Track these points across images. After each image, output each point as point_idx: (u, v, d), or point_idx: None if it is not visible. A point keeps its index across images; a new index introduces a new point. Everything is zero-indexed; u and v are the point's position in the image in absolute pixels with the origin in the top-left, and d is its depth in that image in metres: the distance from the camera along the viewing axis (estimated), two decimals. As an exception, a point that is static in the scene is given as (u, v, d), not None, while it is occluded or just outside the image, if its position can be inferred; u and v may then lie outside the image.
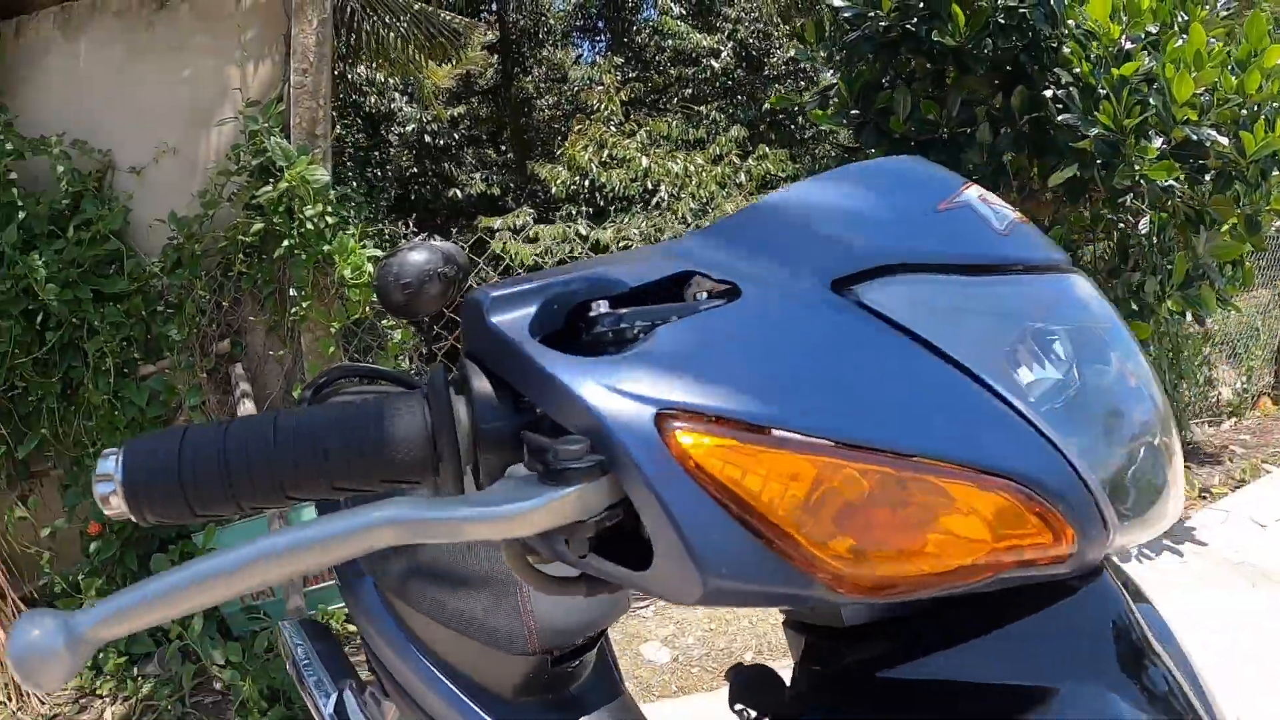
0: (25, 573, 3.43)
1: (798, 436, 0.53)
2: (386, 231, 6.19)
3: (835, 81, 3.94)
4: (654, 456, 0.52)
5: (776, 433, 0.53)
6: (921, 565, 0.54)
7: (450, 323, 3.98)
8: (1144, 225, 3.54)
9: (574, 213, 6.45)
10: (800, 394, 0.55)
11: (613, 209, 6.58)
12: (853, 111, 3.90)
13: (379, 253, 3.30)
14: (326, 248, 3.23)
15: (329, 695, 1.68)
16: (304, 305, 3.29)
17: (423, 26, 5.85)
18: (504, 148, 13.38)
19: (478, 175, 10.95)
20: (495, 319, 0.60)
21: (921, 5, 3.55)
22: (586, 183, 6.74)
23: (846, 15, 3.80)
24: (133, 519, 0.60)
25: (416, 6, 5.94)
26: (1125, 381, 0.64)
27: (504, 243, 3.95)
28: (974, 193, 0.67)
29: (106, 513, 0.59)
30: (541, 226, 4.31)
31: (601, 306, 0.62)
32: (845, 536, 0.53)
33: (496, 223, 4.78)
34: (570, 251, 4.10)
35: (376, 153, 8.72)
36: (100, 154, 3.52)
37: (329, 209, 3.25)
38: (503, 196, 9.38)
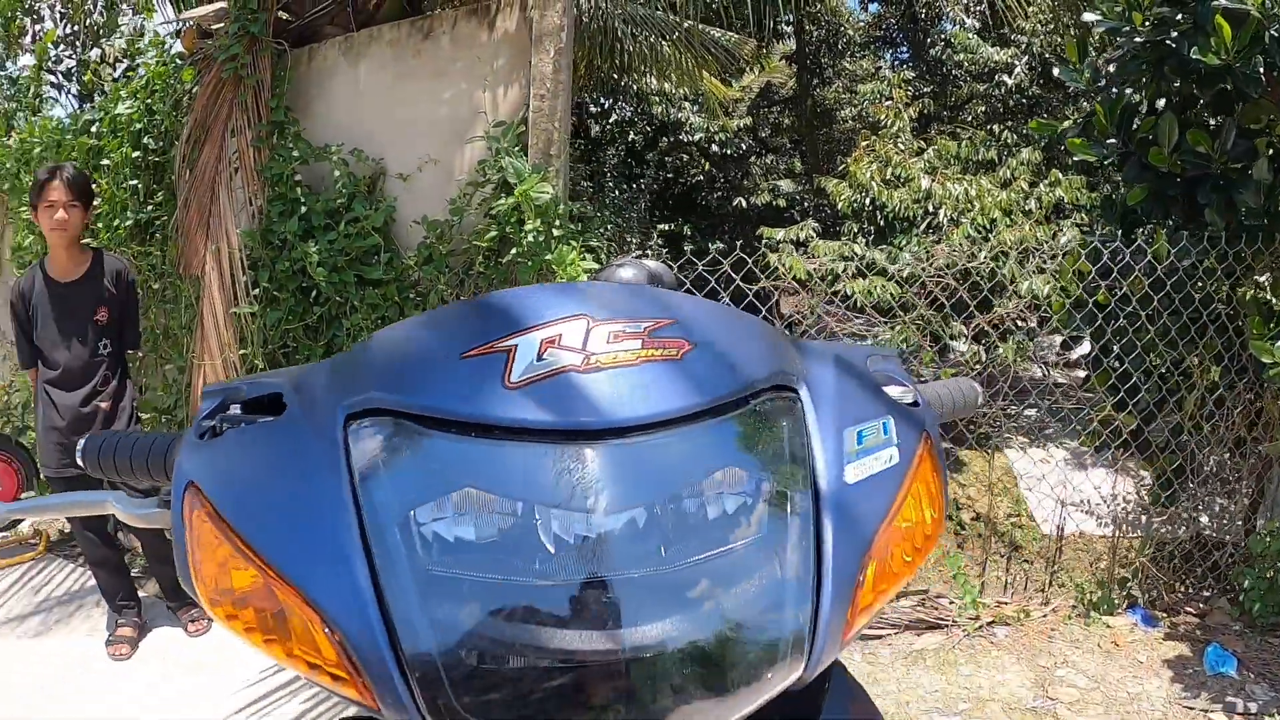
0: None
1: (240, 540, 0.72)
2: (620, 240, 6.27)
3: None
4: (176, 506, 0.79)
5: (235, 533, 0.73)
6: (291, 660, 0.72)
7: None
8: None
9: (855, 230, 6.33)
10: (260, 509, 0.74)
11: (894, 229, 6.33)
12: (1110, 140, 3.55)
13: (595, 266, 3.51)
14: (548, 257, 3.50)
15: None
16: (519, 311, 3.59)
17: (694, 44, 5.96)
18: (796, 159, 13.17)
19: (765, 185, 10.79)
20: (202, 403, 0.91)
21: (1181, 17, 3.16)
22: (868, 200, 6.59)
23: (1100, 30, 3.51)
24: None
25: (686, 25, 6.04)
26: (579, 579, 0.70)
27: (777, 257, 3.90)
28: (542, 334, 0.75)
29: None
30: (822, 242, 4.25)
31: (235, 408, 0.89)
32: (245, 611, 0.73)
33: (779, 234, 4.73)
34: (844, 270, 4.02)
35: (659, 158, 8.90)
36: (374, 161, 4.07)
37: (557, 222, 3.53)
38: (789, 208, 9.22)
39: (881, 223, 6.56)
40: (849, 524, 0.78)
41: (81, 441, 0.97)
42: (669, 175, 9.75)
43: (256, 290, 4.09)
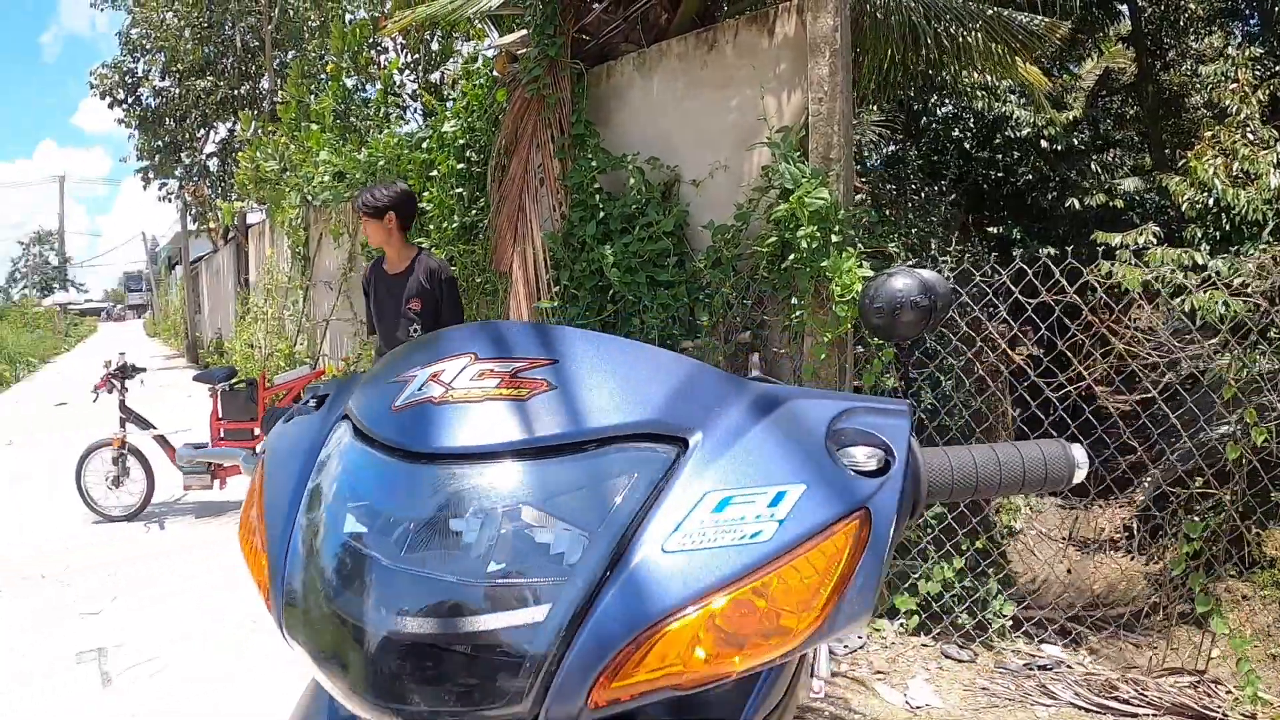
0: None
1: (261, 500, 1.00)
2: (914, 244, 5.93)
3: None
4: None
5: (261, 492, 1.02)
6: None
7: (931, 353, 3.99)
8: None
9: (1199, 236, 5.66)
10: (272, 473, 1.01)
11: (1240, 235, 5.58)
12: None
13: (870, 273, 3.45)
14: (823, 264, 3.52)
15: None
16: (796, 314, 3.68)
17: (997, 31, 5.68)
18: (1145, 154, 11.78)
19: (1102, 184, 9.69)
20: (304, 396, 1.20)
21: None
22: (1211, 200, 5.82)
23: None
24: None
25: (990, 12, 5.76)
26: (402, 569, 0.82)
27: (1110, 266, 3.54)
28: (435, 368, 0.91)
29: None
30: (1159, 249, 3.87)
31: (312, 401, 1.13)
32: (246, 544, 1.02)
33: (1115, 239, 4.36)
34: (1181, 284, 3.47)
35: (989, 155, 8.33)
36: (668, 169, 4.29)
37: (836, 228, 3.54)
38: (1128, 210, 8.40)
39: (1227, 226, 5.78)
40: (637, 594, 0.77)
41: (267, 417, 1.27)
42: (998, 174, 9.16)
43: (557, 288, 4.47)
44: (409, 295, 4.14)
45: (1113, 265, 3.59)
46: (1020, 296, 3.52)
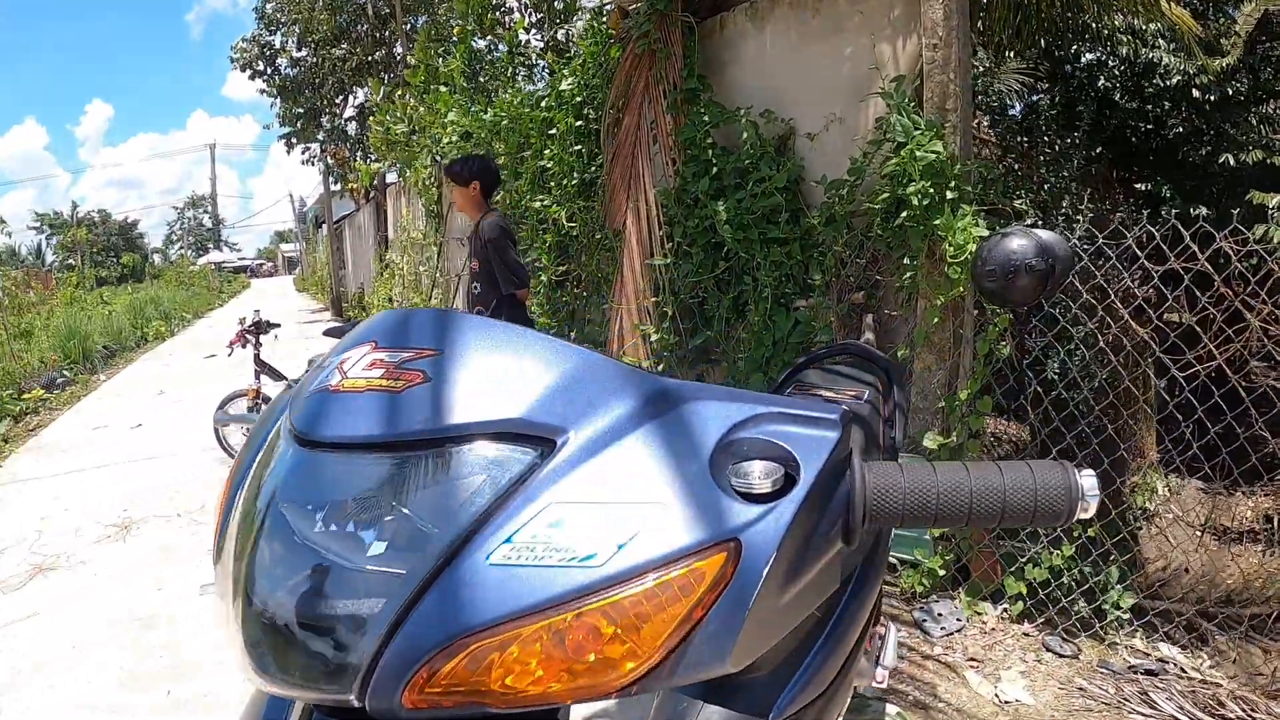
0: None
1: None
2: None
3: None
4: None
5: None
6: None
7: (1051, 320, 3.77)
8: None
9: None
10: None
11: None
12: None
13: (986, 232, 3.29)
14: (936, 222, 3.38)
15: None
16: (909, 275, 3.57)
17: None
18: None
19: (1261, 138, 8.61)
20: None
21: None
22: None
23: None
24: None
25: None
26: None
27: (1266, 229, 3.32)
28: (342, 356, 0.93)
29: None
30: None
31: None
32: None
33: (1273, 200, 4.02)
34: None
35: (1138, 105, 7.74)
36: (783, 122, 4.23)
37: (951, 183, 3.38)
38: None
39: None
40: (452, 603, 0.74)
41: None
42: (1146, 126, 8.40)
43: (670, 244, 4.48)
44: (470, 254, 4.56)
45: (1269, 228, 3.34)
46: (1156, 263, 3.25)
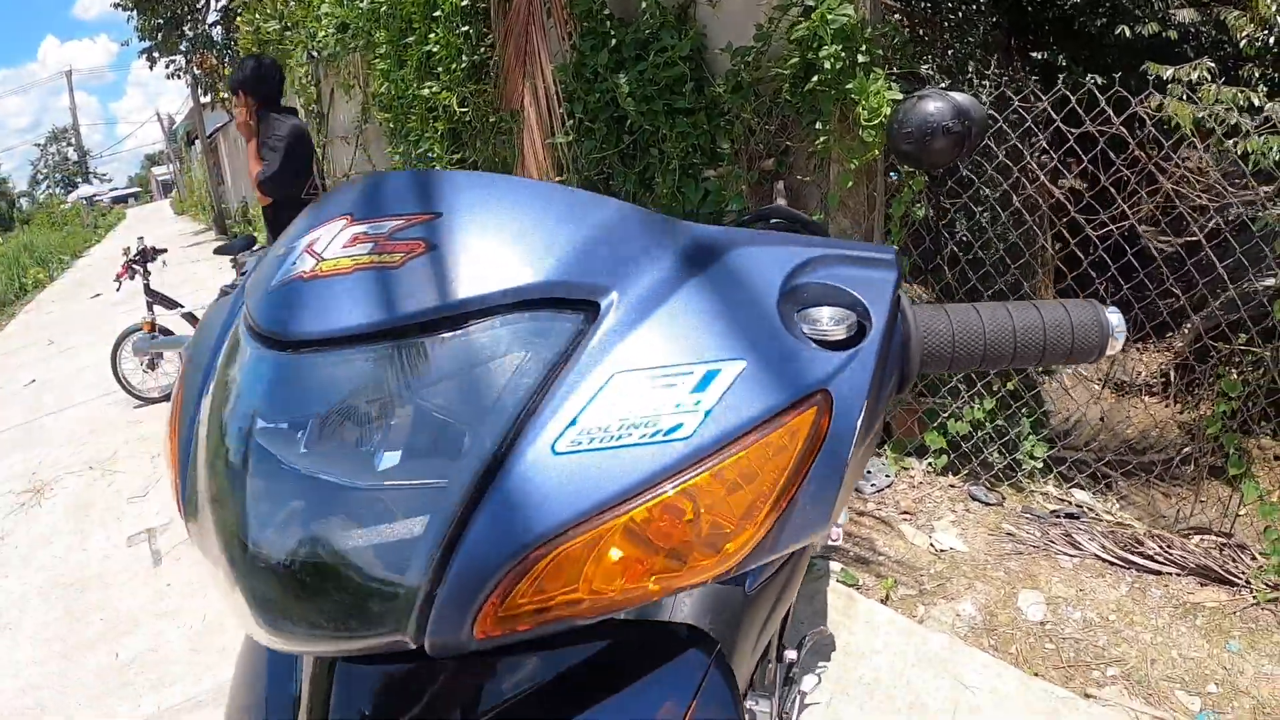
0: None
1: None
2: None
3: None
4: None
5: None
6: None
7: (965, 182, 3.82)
8: None
9: (1255, 76, 4.92)
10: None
11: None
12: None
13: (900, 96, 3.26)
14: (849, 86, 3.31)
15: None
16: (821, 140, 3.49)
17: None
18: None
19: (1155, 12, 8.72)
20: None
21: None
22: (1272, 40, 5.07)
23: None
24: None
25: None
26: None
27: (1161, 100, 3.34)
28: (311, 236, 0.76)
29: None
30: (1214, 87, 3.63)
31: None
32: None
33: (1168, 72, 4.05)
34: (1237, 124, 3.22)
35: None
36: (681, -12, 4.00)
37: (863, 47, 3.31)
38: (1181, 43, 7.81)
39: None
40: (519, 508, 0.62)
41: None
42: None
43: (571, 121, 4.29)
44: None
45: (1164, 99, 3.35)
46: (1064, 126, 3.32)
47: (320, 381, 0.68)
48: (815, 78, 3.40)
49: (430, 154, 5.68)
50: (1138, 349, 4.60)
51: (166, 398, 5.81)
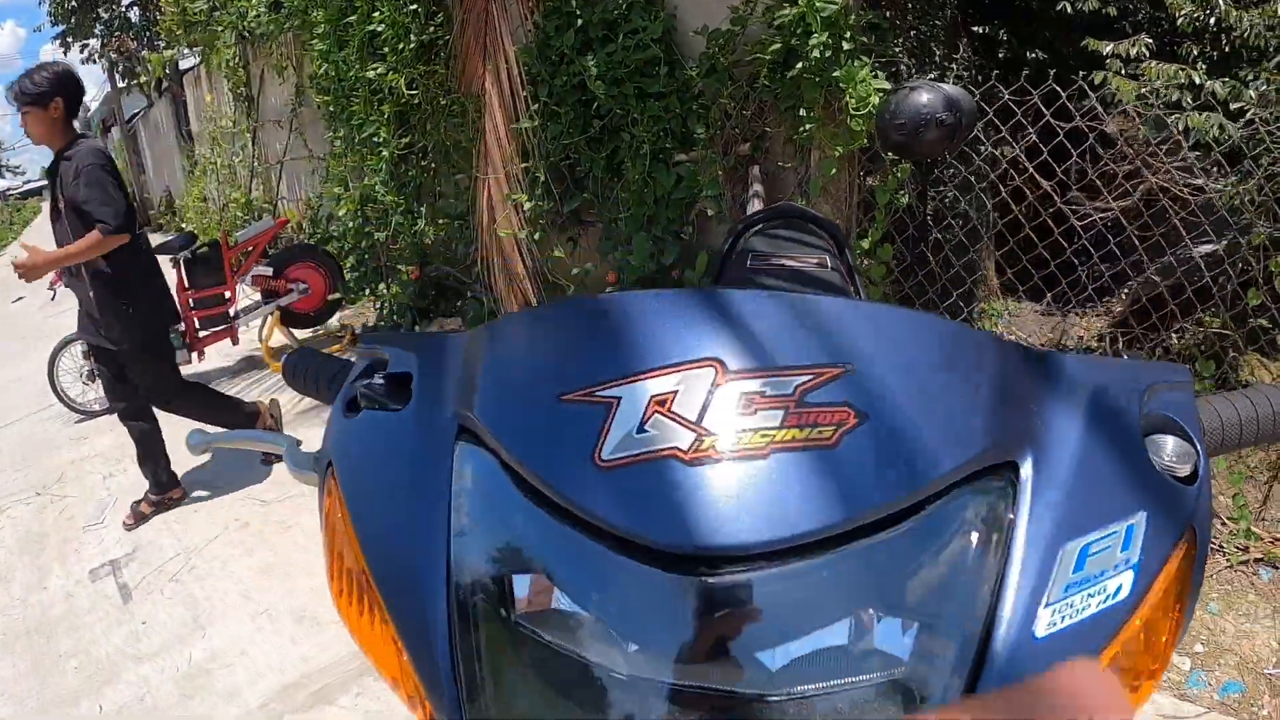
0: (556, 298, 4.31)
1: (354, 534, 0.71)
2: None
3: None
4: (321, 487, 0.77)
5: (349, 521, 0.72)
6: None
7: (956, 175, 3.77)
8: None
9: (1195, 54, 5.24)
10: (370, 507, 0.71)
11: (1239, 58, 4.85)
12: None
13: (887, 85, 3.22)
14: (836, 74, 3.22)
15: None
16: (808, 127, 3.38)
17: None
18: None
19: None
20: (355, 361, 0.87)
21: None
22: (1212, 19, 4.93)
23: None
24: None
25: None
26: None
27: (1105, 75, 3.41)
28: (657, 386, 0.58)
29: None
30: (1155, 64, 3.61)
31: (379, 376, 0.79)
32: (345, 596, 0.72)
33: (1107, 48, 4.10)
34: (1178, 100, 3.38)
35: None
36: (652, -33, 3.82)
37: (847, 34, 3.21)
38: (1121, 18, 7.91)
39: (1226, 48, 5.04)
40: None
41: (286, 357, 1.01)
42: None
43: (536, 105, 4.07)
44: (57, 194, 3.51)
45: (1106, 75, 3.41)
46: (1012, 101, 3.34)
47: (729, 602, 0.53)
48: (799, 65, 3.29)
49: (376, 138, 5.40)
50: (1078, 314, 4.56)
51: (110, 411, 5.28)
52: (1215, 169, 3.46)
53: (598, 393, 0.59)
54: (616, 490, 0.54)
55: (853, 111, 3.21)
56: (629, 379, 0.59)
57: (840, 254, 2.02)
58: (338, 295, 5.99)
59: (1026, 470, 0.60)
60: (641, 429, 0.56)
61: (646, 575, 0.53)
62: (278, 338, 5.85)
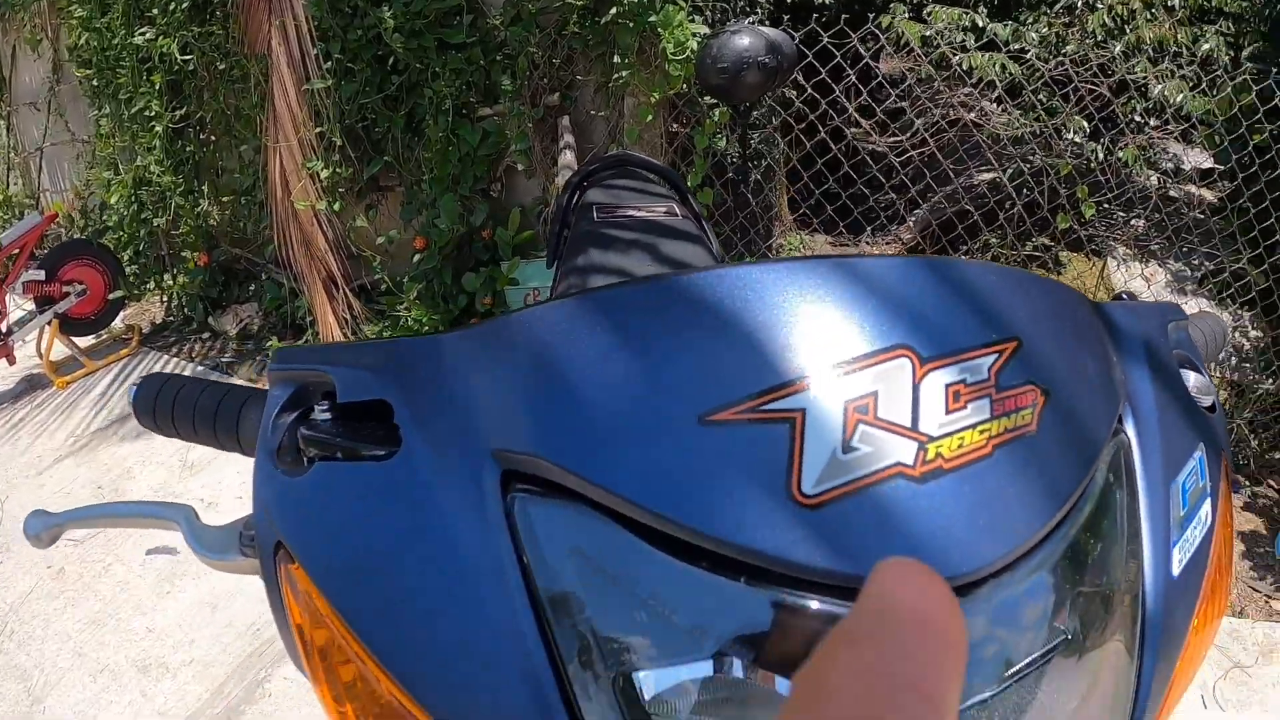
0: (361, 269, 4.11)
1: (353, 633, 0.51)
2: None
3: None
4: (269, 573, 0.57)
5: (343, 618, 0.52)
6: None
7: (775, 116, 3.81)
8: None
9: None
10: (374, 595, 0.51)
11: (1019, 2, 5.43)
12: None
13: (706, 30, 3.19)
14: (652, 19, 3.14)
15: None
16: (624, 73, 3.28)
17: None
18: None
19: None
20: (270, 390, 0.63)
21: None
22: None
23: None
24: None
25: None
26: None
27: (892, 18, 3.54)
28: (850, 389, 0.44)
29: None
30: (939, 7, 3.71)
31: (323, 409, 0.59)
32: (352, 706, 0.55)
33: None
34: (963, 42, 3.58)
35: None
36: (449, -90, 3.59)
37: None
38: None
39: None
40: (1170, 638, 0.55)
41: (135, 386, 0.77)
42: None
43: (329, 64, 3.75)
44: None
45: (893, 18, 3.57)
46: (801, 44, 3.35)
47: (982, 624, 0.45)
48: (614, 10, 3.19)
49: (147, 112, 4.89)
50: (868, 241, 4.74)
51: None
52: (998, 105, 3.75)
53: (766, 406, 0.44)
54: (834, 530, 0.42)
55: (671, 56, 3.13)
56: (806, 383, 0.45)
57: (684, 200, 1.92)
58: (120, 293, 5.38)
59: (1129, 423, 0.59)
60: (848, 448, 0.43)
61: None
62: (59, 349, 5.15)
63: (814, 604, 0.42)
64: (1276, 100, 2.93)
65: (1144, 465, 0.57)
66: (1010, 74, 3.49)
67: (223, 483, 3.38)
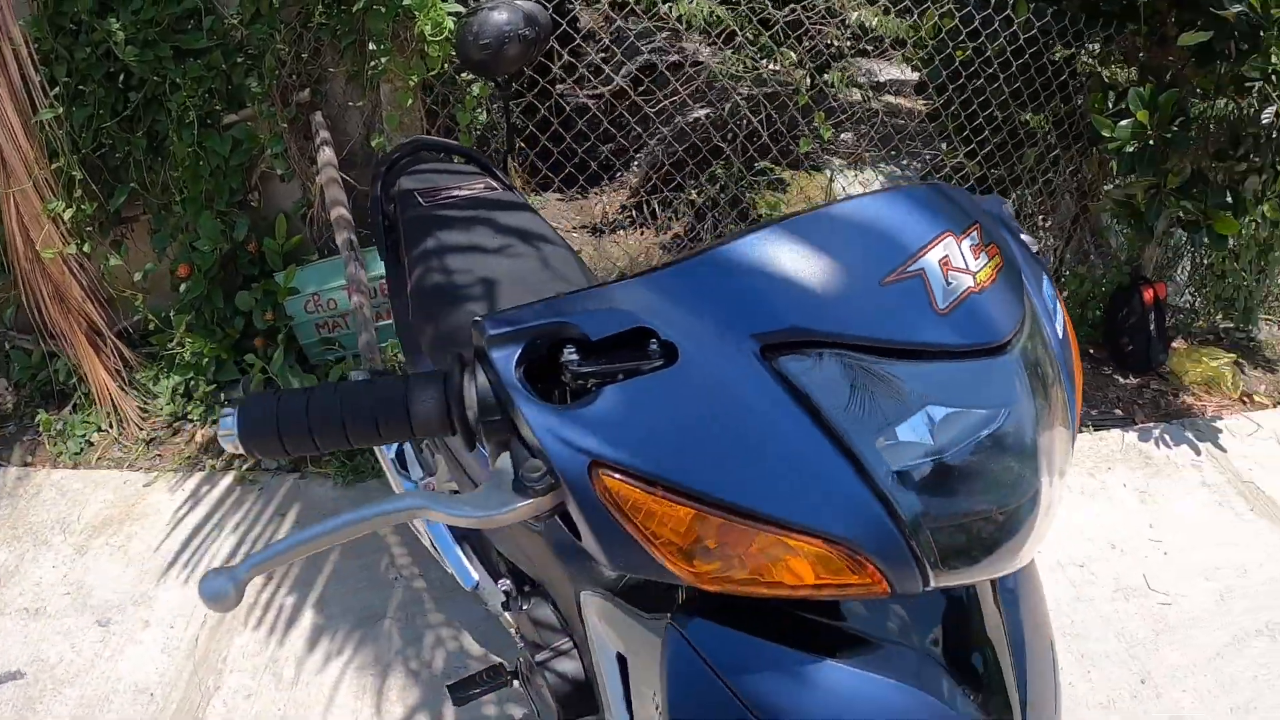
0: (122, 312, 3.76)
1: (684, 493, 0.72)
2: None
3: None
4: (584, 492, 0.73)
5: (670, 488, 0.72)
6: (763, 589, 0.77)
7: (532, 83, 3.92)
8: (1266, 116, 3.26)
9: None
10: (698, 458, 0.72)
11: None
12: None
13: (461, 9, 3.21)
14: (406, 2, 3.15)
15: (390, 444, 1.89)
16: (382, 60, 3.28)
17: None
18: None
19: None
20: (493, 353, 0.76)
21: None
22: None
23: None
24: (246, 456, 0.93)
25: None
26: (999, 459, 0.78)
27: None
28: (935, 255, 0.78)
29: (227, 449, 0.80)
30: None
31: (570, 352, 0.76)
32: (710, 562, 0.75)
33: None
34: None
35: None
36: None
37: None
38: None
39: None
40: (1068, 369, 0.91)
41: (233, 413, 0.81)
42: None
43: (57, 89, 3.48)
44: None
45: None
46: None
47: (989, 377, 0.78)
48: None
49: None
50: (595, 194, 4.94)
51: None
52: (710, 46, 4.14)
53: (909, 269, 0.77)
54: (954, 323, 0.76)
55: (430, 38, 3.17)
56: (919, 254, 0.78)
57: (491, 174, 2.09)
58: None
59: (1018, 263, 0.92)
60: (948, 279, 0.78)
61: (972, 367, 0.78)
62: None
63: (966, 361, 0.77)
64: (975, 25, 3.48)
65: (1027, 282, 0.90)
66: (720, 18, 3.81)
67: (42, 583, 2.75)
